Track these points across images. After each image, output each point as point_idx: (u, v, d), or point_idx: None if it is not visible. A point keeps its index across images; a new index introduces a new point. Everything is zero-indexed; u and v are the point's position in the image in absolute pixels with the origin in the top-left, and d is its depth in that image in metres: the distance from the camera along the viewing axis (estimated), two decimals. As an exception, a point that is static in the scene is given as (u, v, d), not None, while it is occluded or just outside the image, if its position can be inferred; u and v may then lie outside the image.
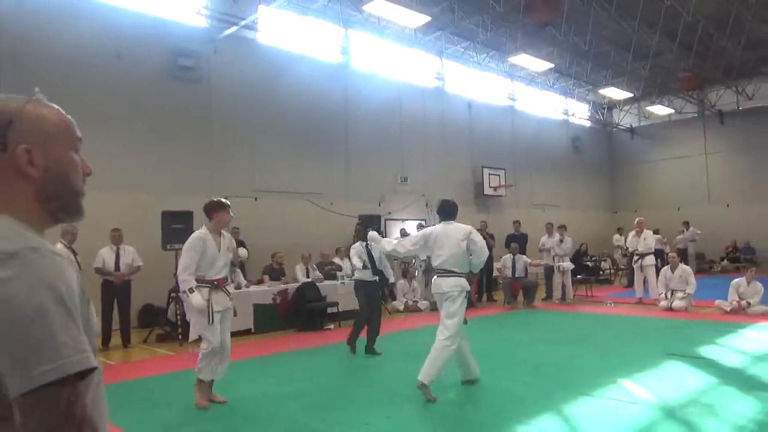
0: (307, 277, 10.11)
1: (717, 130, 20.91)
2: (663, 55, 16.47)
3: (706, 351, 6.58)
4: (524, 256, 12.05)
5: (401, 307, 11.28)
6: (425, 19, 11.59)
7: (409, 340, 8.14)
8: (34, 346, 0.88)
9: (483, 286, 12.69)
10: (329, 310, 9.59)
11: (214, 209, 4.95)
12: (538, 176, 19.31)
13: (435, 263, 5.28)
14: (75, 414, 0.89)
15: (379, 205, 14.11)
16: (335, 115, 13.51)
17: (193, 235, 4.93)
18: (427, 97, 15.93)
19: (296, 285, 9.66)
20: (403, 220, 14.61)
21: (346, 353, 7.10)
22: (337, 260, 11.26)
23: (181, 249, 5.29)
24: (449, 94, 16.67)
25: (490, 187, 17.01)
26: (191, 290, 4.73)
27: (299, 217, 12.26)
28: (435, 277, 5.30)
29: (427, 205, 15.43)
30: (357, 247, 7.36)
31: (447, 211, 5.37)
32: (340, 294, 9.89)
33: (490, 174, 17.07)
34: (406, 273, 11.86)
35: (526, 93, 19.47)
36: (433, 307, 7.85)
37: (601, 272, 17.07)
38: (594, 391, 5.00)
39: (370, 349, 7.12)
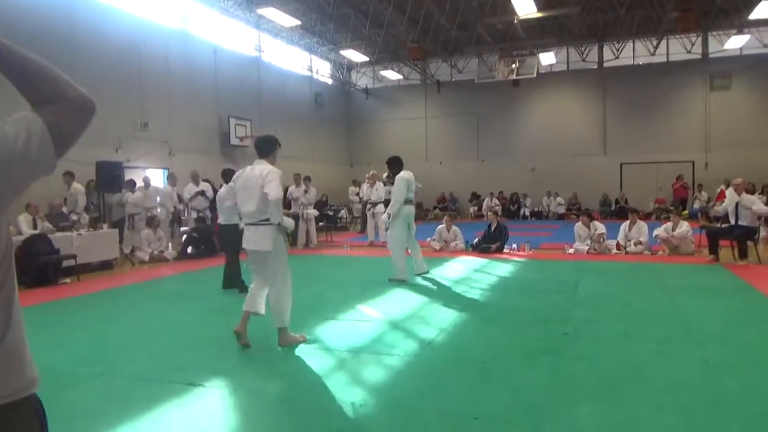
0: (35, 228, 9.10)
1: (435, 97, 24.29)
2: (395, 25, 18.42)
3: (421, 279, 8.12)
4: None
5: (146, 258, 10.91)
6: (171, -45, 10.94)
7: (157, 288, 8.11)
8: None
9: (231, 234, 12.96)
10: (65, 263, 8.85)
11: (275, 146, 4.91)
12: (283, 128, 19.84)
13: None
14: None
15: (117, 151, 13.11)
16: (59, 49, 11.82)
17: (275, 169, 4.75)
18: (170, 38, 15.07)
19: (22, 238, 8.63)
20: (144, 168, 13.87)
21: (90, 306, 6.81)
22: (64, 210, 10.33)
23: None
24: (194, 37, 16.02)
25: (236, 137, 17.07)
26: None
27: (19, 161, 10.70)
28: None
29: (170, 153, 14.85)
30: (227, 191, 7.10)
31: (390, 163, 8.31)
32: (77, 246, 9.19)
33: (236, 124, 17.11)
34: (151, 222, 11.42)
35: (272, 45, 19.74)
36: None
37: (339, 220, 18.80)
38: (337, 315, 5.93)
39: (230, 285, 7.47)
